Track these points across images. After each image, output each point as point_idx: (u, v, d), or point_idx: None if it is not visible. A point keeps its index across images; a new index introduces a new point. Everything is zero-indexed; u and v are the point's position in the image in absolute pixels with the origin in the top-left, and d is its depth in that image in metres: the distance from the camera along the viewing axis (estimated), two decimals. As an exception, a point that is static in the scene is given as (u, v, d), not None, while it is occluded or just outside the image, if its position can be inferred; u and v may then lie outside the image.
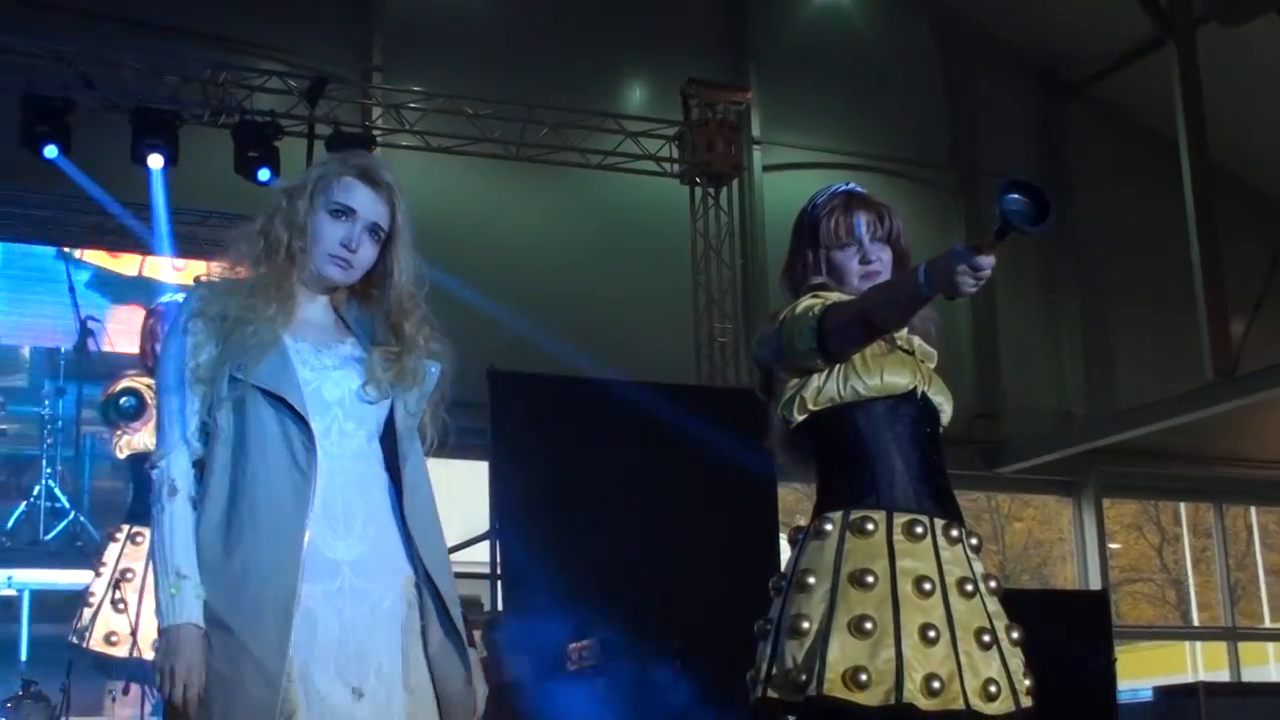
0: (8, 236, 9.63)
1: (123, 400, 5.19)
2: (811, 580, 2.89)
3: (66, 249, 9.63)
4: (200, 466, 2.62)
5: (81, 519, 8.02)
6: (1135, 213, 13.23)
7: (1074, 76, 13.79)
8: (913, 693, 2.76)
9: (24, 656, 7.46)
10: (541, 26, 11.95)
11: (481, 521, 8.33)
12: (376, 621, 2.62)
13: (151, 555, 2.60)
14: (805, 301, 3.00)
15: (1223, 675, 13.51)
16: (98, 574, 5.22)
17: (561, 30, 12.00)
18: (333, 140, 9.85)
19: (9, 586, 7.62)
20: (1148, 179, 12.99)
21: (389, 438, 2.73)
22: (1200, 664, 14.15)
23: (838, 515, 2.94)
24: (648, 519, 8.16)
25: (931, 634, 2.82)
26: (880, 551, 2.88)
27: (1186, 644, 14.50)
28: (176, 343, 2.66)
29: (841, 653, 2.80)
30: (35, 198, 9.53)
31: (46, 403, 8.52)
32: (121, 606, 5.09)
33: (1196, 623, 14.53)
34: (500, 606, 7.98)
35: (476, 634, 7.02)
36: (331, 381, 2.69)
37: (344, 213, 2.72)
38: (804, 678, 2.82)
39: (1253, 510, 14.85)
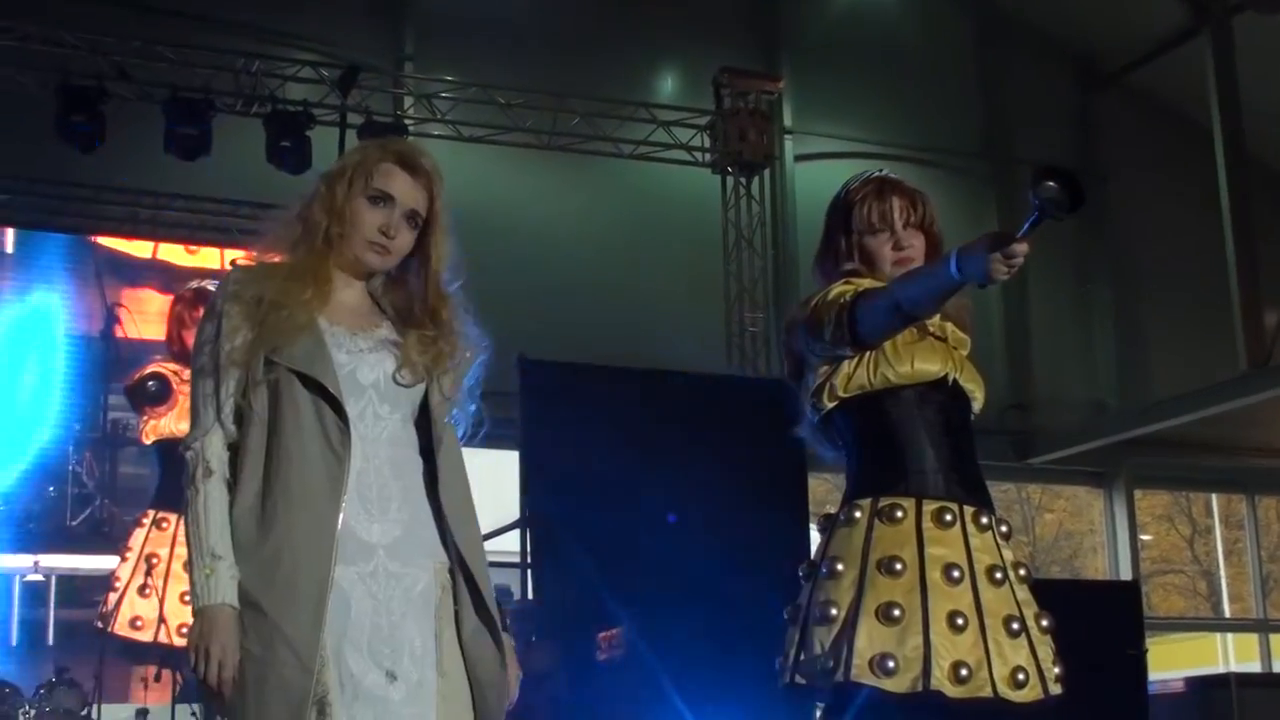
0: (33, 224, 9.66)
1: (149, 385, 5.13)
2: (840, 567, 2.90)
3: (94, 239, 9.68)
4: (234, 449, 2.62)
5: (108, 504, 8.06)
6: (1169, 202, 13.11)
7: (1109, 65, 13.68)
8: (940, 680, 2.77)
9: (50, 641, 7.52)
10: (573, 16, 11.93)
11: (511, 510, 8.33)
12: (410, 605, 2.61)
13: (186, 537, 2.60)
14: (837, 288, 3.00)
15: (1254, 667, 13.41)
16: (123, 559, 5.19)
17: (593, 19, 11.98)
18: (364, 130, 9.86)
19: (35, 572, 7.67)
20: (1182, 169, 12.88)
21: (424, 422, 2.73)
22: (1231, 655, 14.06)
23: (867, 502, 2.95)
24: (678, 508, 8.15)
25: (960, 621, 2.82)
26: (909, 539, 2.89)
27: (1218, 635, 14.42)
28: (211, 325, 2.66)
29: (869, 639, 2.80)
30: (62, 188, 9.57)
31: (73, 388, 8.55)
32: (147, 592, 5.06)
33: (1228, 614, 14.46)
34: (530, 595, 7.99)
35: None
36: (366, 365, 2.68)
37: (383, 199, 2.71)
38: (832, 664, 2.83)
39: (1285, 502, 14.77)
